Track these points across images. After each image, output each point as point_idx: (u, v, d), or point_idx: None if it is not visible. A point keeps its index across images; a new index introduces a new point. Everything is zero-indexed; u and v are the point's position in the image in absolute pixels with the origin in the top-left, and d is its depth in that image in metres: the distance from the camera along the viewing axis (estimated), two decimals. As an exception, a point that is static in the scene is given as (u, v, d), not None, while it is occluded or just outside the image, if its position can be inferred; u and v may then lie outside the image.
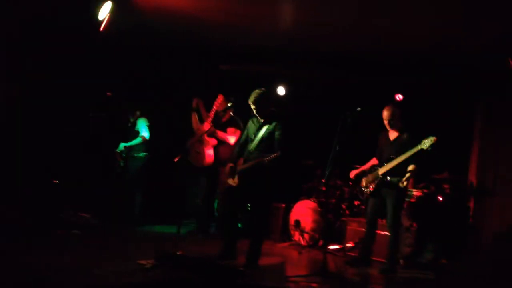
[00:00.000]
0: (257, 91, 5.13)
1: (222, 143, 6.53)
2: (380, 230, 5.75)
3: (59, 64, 6.76)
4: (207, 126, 6.43)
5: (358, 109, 5.12)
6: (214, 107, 6.46)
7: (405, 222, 5.87)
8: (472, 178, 7.01)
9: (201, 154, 6.44)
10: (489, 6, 4.98)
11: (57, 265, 4.29)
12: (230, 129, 6.51)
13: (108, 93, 6.02)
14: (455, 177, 6.47)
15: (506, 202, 6.47)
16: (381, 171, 5.31)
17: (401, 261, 5.74)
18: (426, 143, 4.83)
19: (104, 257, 4.82)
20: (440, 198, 6.02)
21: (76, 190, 6.85)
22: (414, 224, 5.83)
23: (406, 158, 5.04)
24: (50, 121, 6.96)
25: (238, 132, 6.37)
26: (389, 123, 5.39)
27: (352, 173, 5.85)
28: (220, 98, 6.45)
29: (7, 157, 6.33)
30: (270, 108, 5.18)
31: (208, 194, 6.73)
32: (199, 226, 6.80)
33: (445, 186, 6.32)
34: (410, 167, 5.08)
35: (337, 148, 5.03)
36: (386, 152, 5.41)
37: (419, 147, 4.89)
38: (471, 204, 6.77)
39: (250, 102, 5.12)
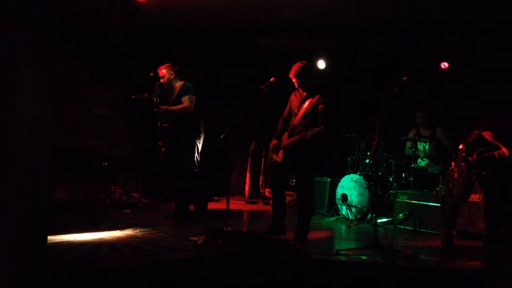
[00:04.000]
0: (298, 64, 5.01)
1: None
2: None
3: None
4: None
5: (404, 78, 4.93)
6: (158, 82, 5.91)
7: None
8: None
9: None
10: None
11: (111, 243, 4.42)
12: (183, 98, 5.88)
13: (151, 73, 5.99)
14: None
15: None
16: None
17: (454, 232, 5.62)
18: None
19: (156, 235, 4.93)
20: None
21: (126, 171, 6.97)
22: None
23: None
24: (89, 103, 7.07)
25: (193, 97, 5.89)
26: None
27: None
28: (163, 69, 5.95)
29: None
30: (312, 81, 5.08)
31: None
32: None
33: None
34: None
35: (384, 118, 4.87)
36: None
37: None
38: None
39: (291, 75, 5.01)
